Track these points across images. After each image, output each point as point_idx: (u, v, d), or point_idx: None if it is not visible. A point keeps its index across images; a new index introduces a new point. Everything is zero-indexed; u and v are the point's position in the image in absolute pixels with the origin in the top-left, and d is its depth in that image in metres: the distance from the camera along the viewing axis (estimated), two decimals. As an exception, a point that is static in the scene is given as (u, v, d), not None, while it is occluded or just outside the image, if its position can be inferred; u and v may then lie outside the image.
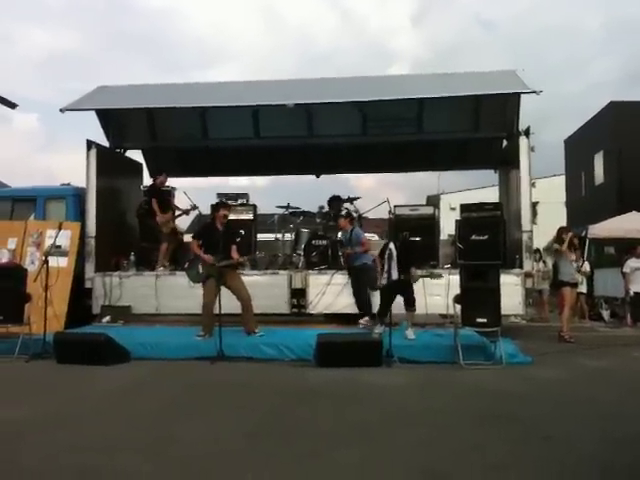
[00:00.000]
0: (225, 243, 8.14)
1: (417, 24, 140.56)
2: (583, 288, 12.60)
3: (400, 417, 4.95)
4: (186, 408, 5.33)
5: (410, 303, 8.01)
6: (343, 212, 10.60)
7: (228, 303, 7.92)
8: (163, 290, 9.76)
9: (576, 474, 3.55)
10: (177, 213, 10.90)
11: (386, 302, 8.04)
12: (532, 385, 6.19)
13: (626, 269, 12.42)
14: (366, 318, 8.87)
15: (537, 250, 13.28)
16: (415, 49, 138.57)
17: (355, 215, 10.91)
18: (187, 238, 13.59)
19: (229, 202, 9.70)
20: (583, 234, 13.66)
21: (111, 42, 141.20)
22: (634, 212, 14.86)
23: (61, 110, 10.05)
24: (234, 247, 8.22)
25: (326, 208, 10.96)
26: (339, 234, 10.50)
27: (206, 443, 4.23)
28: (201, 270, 8.16)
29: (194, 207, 10.80)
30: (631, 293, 12.36)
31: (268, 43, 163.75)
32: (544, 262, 13.51)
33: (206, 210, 11.13)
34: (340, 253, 9.90)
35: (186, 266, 8.63)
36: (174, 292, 9.58)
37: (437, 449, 4.09)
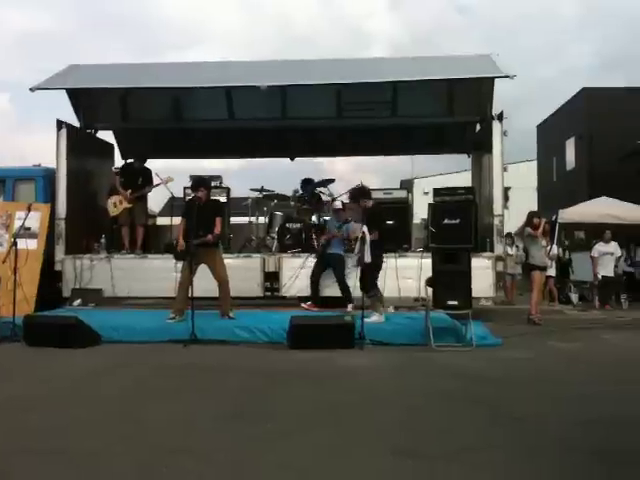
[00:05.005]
0: (207, 221, 7.97)
1: (395, 7, 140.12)
2: (552, 271, 12.79)
3: (371, 398, 4.98)
4: (157, 390, 5.31)
5: (364, 287, 7.94)
6: (321, 195, 10.69)
7: (205, 285, 7.88)
8: (134, 273, 9.66)
9: (546, 456, 3.59)
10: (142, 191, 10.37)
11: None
12: (502, 366, 6.27)
13: (594, 253, 12.66)
14: (351, 305, 8.92)
15: (509, 234, 13.43)
16: (393, 32, 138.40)
17: (329, 198, 10.93)
18: (161, 221, 13.55)
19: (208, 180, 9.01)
20: (554, 219, 13.83)
21: (87, 23, 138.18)
22: (604, 197, 15.09)
23: (31, 89, 9.84)
24: (217, 225, 8.02)
25: (300, 191, 10.93)
26: (313, 217, 10.52)
27: (177, 424, 4.22)
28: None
29: (166, 181, 10.44)
30: (599, 277, 12.62)
31: (246, 25, 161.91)
32: (517, 246, 13.66)
33: (178, 193, 11.03)
34: (318, 236, 9.89)
35: (174, 244, 8.48)
36: (146, 275, 9.52)
37: (408, 430, 4.12)
